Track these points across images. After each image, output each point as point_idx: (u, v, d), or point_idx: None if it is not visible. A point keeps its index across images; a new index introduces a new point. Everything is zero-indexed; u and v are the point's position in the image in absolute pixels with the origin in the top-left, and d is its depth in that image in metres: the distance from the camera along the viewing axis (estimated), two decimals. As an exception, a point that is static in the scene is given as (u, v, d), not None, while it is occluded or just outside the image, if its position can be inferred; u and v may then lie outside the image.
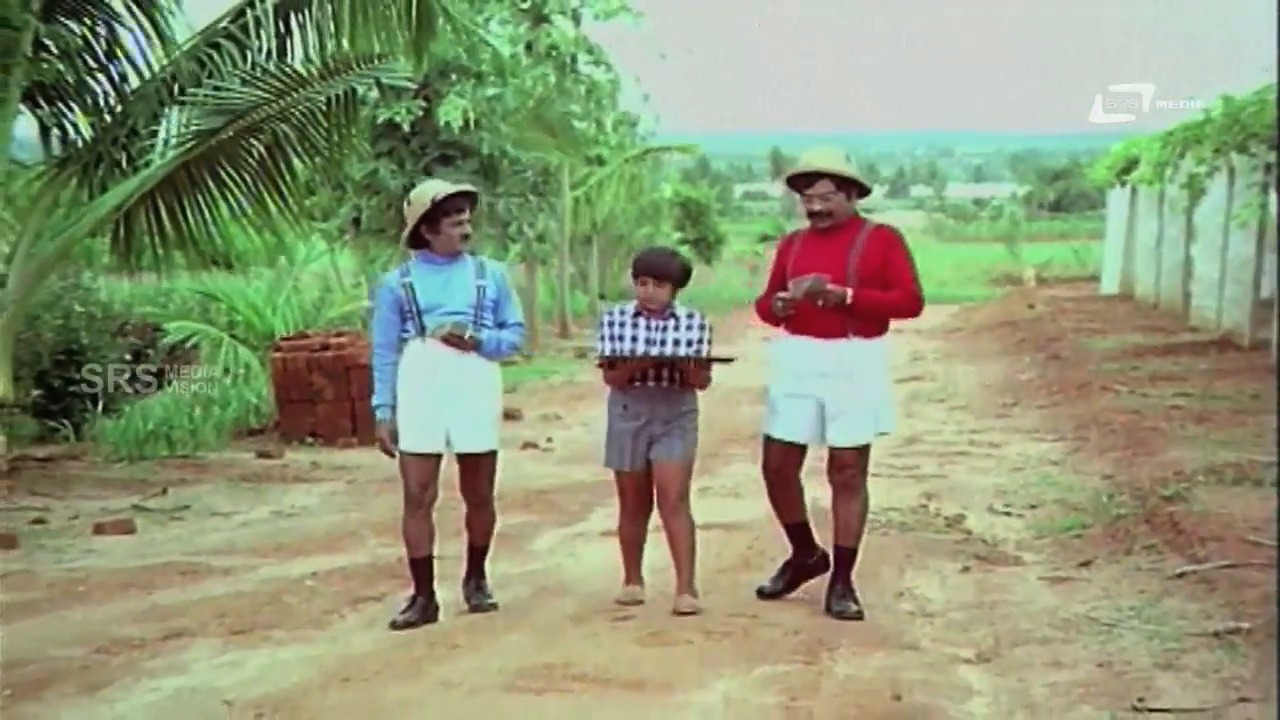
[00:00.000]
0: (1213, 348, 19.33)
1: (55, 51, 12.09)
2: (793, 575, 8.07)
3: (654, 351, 7.67)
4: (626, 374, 7.67)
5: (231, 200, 12.87)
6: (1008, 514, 10.69)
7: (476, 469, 7.81)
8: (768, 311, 7.75)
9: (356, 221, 19.93)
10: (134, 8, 12.50)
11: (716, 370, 7.72)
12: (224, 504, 11.81)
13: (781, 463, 7.77)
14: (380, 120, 18.83)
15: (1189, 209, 22.20)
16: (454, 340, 7.56)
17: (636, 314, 7.75)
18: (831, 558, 7.84)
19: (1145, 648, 7.04)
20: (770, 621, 7.44)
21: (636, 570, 8.01)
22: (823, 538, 7.95)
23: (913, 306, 7.64)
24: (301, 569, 9.14)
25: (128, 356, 16.61)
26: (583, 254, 32.63)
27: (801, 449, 7.76)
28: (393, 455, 7.73)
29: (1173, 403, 14.80)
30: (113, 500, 11.86)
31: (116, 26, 12.58)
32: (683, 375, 7.68)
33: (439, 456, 7.71)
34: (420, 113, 19.09)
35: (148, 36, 12.62)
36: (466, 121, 19.32)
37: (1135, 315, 26.14)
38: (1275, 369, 15.69)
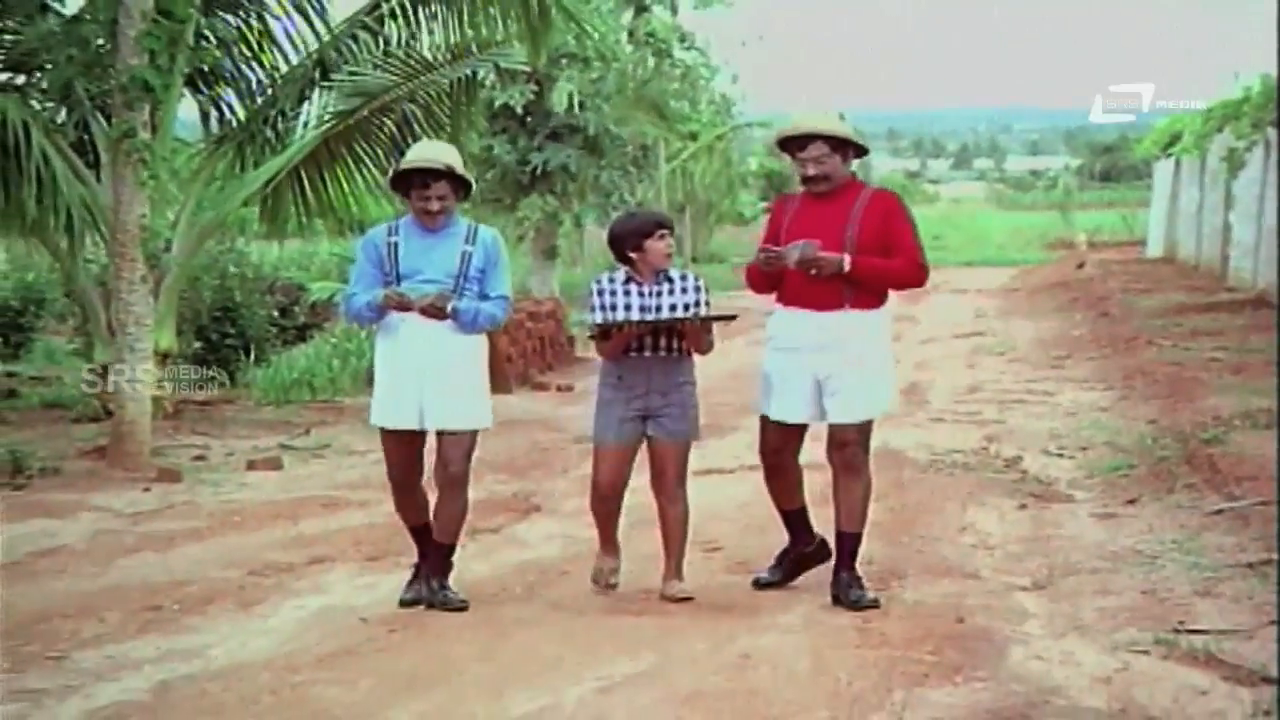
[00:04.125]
0: (1248, 306, 19.02)
1: (214, 41, 12.15)
2: (791, 565, 6.95)
3: (649, 317, 6.58)
4: (622, 342, 6.58)
5: (366, 173, 12.89)
6: (1061, 455, 10.58)
7: (448, 447, 6.59)
8: (756, 275, 6.62)
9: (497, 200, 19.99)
10: (283, 1, 12.58)
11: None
12: (359, 444, 11.89)
13: (780, 444, 6.71)
14: (497, 103, 18.79)
15: (1228, 180, 21.81)
16: (430, 310, 6.44)
17: (628, 280, 6.68)
18: (834, 545, 6.76)
19: (1185, 577, 6.98)
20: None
21: (613, 540, 6.97)
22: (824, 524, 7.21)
23: (916, 275, 6.50)
24: (428, 502, 9.20)
25: (275, 313, 16.80)
26: (677, 221, 32.57)
27: (801, 429, 6.70)
28: (405, 303, 6.46)
29: (1211, 355, 14.64)
30: (262, 440, 11.99)
31: (268, 18, 12.67)
32: (682, 341, 6.63)
33: (419, 435, 6.63)
34: (533, 96, 19.04)
35: (295, 27, 12.71)
36: (573, 103, 19.26)
37: (1177, 276, 25.78)
38: (1276, 325, 15.42)
